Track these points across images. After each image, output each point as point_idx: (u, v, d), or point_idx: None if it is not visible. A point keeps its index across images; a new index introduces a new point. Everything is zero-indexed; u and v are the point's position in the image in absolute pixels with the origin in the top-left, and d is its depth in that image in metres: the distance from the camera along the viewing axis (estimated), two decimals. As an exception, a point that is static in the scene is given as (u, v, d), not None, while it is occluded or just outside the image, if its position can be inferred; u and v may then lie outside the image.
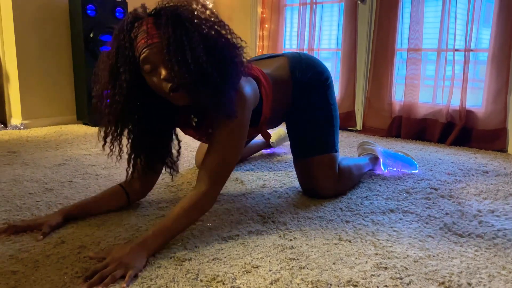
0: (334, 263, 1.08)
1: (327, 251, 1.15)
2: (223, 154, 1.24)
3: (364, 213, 1.45)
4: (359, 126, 3.06)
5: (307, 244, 1.19)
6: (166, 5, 1.16)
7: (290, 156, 2.22)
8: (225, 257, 1.10)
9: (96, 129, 2.89)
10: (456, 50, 2.55)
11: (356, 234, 1.27)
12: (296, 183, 1.77)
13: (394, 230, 1.29)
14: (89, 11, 2.84)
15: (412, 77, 2.71)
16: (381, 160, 1.92)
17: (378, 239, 1.23)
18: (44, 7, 2.89)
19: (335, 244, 1.20)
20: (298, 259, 1.10)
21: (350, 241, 1.22)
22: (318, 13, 3.17)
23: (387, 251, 1.15)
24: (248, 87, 1.31)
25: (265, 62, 1.59)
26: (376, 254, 1.14)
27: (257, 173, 1.92)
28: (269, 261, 1.09)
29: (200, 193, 1.20)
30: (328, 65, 3.22)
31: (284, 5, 3.42)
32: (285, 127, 1.67)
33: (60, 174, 1.84)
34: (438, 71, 2.64)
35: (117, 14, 2.98)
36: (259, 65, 1.55)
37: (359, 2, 2.91)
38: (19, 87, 2.86)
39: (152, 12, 1.18)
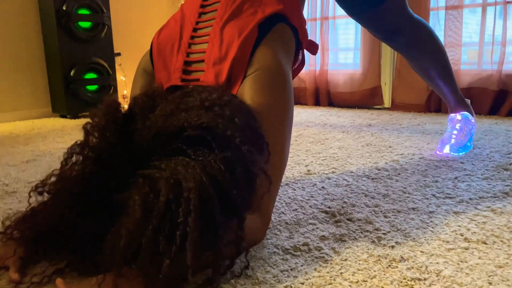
0: (490, 282, 0.63)
1: (462, 261, 0.70)
2: (277, 162, 0.82)
3: (471, 199, 1.00)
4: (387, 104, 2.62)
5: (422, 252, 0.74)
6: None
7: (322, 137, 1.77)
8: (302, 284, 0.64)
9: (76, 121, 2.40)
10: (508, 2, 2.13)
11: (486, 231, 0.82)
12: (351, 167, 1.31)
13: (540, 221, 0.85)
14: (60, -21, 2.34)
15: (452, 40, 2.29)
16: (472, 116, 1.51)
17: (525, 237, 0.79)
18: (5, -22, 2.38)
19: (465, 249, 0.75)
20: (424, 279, 0.65)
21: (485, 243, 0.77)
22: (330, -24, 2.72)
23: (562, 256, 0.71)
24: (280, 54, 0.87)
25: None
26: (551, 262, 0.69)
27: (291, 157, 1.46)
28: (380, 286, 0.63)
29: (257, 224, 0.79)
30: (346, 33, 2.81)
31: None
32: None
33: (28, 173, 1.36)
34: (485, 30, 2.22)
35: (95, -17, 2.49)
36: None
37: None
38: (-21, 75, 2.35)
39: None
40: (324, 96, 2.82)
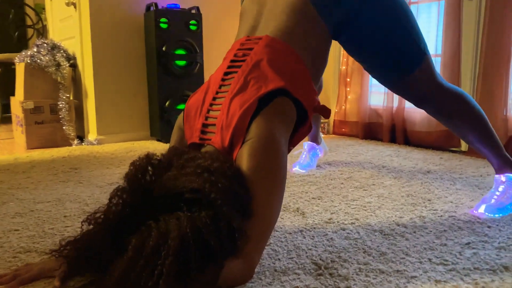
0: None
1: (402, 331, 0.78)
2: (264, 217, 0.98)
3: (464, 268, 1.03)
4: (464, 147, 2.53)
5: (372, 316, 0.83)
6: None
7: (371, 182, 1.84)
8: (249, 328, 0.79)
9: (166, 145, 2.77)
10: None
11: (449, 305, 0.87)
12: (373, 220, 1.39)
13: (511, 303, 0.87)
14: (162, 24, 2.75)
15: (536, 86, 2.15)
16: None
17: (484, 317, 0.82)
18: (121, 21, 2.88)
19: (415, 319, 0.82)
20: None
21: (438, 316, 0.83)
22: (413, 15, 2.73)
23: None
24: (274, 124, 1.04)
25: (293, 33, 1.18)
26: None
27: (325, 202, 1.57)
28: None
29: (240, 268, 0.94)
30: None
31: (373, 9, 3.03)
32: None
33: (107, 195, 1.69)
34: None
35: (191, 26, 2.86)
36: (293, 41, 1.17)
37: (464, -2, 2.43)
38: (95, 103, 2.86)
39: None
40: (400, 133, 2.82)
